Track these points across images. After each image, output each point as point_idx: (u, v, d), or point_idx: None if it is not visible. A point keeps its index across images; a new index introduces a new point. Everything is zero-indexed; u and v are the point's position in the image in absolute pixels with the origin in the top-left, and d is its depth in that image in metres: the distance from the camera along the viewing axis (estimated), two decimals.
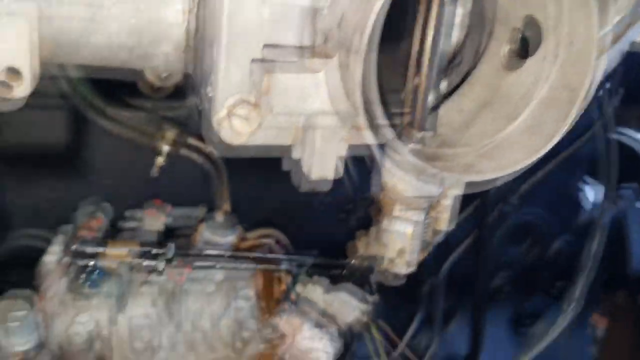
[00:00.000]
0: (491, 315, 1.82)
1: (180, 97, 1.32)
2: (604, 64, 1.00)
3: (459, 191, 0.91)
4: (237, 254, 1.12)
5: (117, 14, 0.88)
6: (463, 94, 0.88)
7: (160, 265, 1.07)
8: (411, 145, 0.74)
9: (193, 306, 1.17)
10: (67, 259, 1.15)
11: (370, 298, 1.42)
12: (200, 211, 1.32)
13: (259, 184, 1.45)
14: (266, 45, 0.80)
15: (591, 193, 2.00)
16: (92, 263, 1.01)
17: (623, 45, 1.24)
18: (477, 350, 1.78)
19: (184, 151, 1.20)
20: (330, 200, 1.57)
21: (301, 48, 0.80)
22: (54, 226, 1.34)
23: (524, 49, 0.88)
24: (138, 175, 1.35)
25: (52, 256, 1.18)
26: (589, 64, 0.79)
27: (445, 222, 0.92)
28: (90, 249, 0.98)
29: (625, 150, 2.17)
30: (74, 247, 0.97)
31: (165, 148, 1.18)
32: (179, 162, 1.37)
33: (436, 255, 1.71)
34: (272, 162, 1.44)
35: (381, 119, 0.68)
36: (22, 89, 0.87)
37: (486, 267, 1.68)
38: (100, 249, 0.98)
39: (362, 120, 0.68)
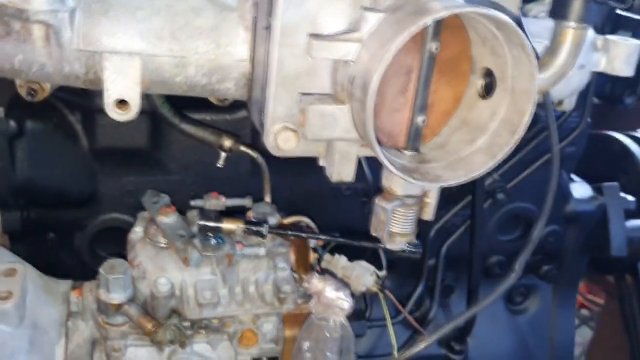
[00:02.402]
0: (486, 292, 2.15)
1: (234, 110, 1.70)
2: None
3: (436, 191, 1.26)
4: (276, 231, 1.49)
5: (195, 62, 1.24)
6: None
7: (259, 239, 1.51)
8: (401, 160, 1.09)
9: (242, 275, 1.53)
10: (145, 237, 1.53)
11: (380, 272, 1.78)
12: (247, 201, 1.68)
13: (293, 179, 1.81)
14: (304, 90, 1.14)
15: (577, 189, 2.31)
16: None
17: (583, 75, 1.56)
18: (471, 322, 2.12)
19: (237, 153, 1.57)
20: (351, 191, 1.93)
21: (329, 90, 1.14)
22: (133, 210, 1.73)
23: (489, 86, 1.21)
24: (198, 173, 1.74)
25: (136, 234, 1.56)
26: (528, 105, 1.11)
27: (428, 213, 1.27)
28: (211, 223, 1.38)
29: (607, 150, 2.49)
30: (200, 221, 1.37)
31: (223, 155, 1.55)
32: (231, 163, 1.75)
33: (436, 239, 2.07)
34: (304, 163, 1.80)
35: (378, 148, 1.02)
36: (130, 114, 1.25)
37: (479, 249, 2.01)
38: (219, 223, 1.38)
39: (372, 145, 1.03)
